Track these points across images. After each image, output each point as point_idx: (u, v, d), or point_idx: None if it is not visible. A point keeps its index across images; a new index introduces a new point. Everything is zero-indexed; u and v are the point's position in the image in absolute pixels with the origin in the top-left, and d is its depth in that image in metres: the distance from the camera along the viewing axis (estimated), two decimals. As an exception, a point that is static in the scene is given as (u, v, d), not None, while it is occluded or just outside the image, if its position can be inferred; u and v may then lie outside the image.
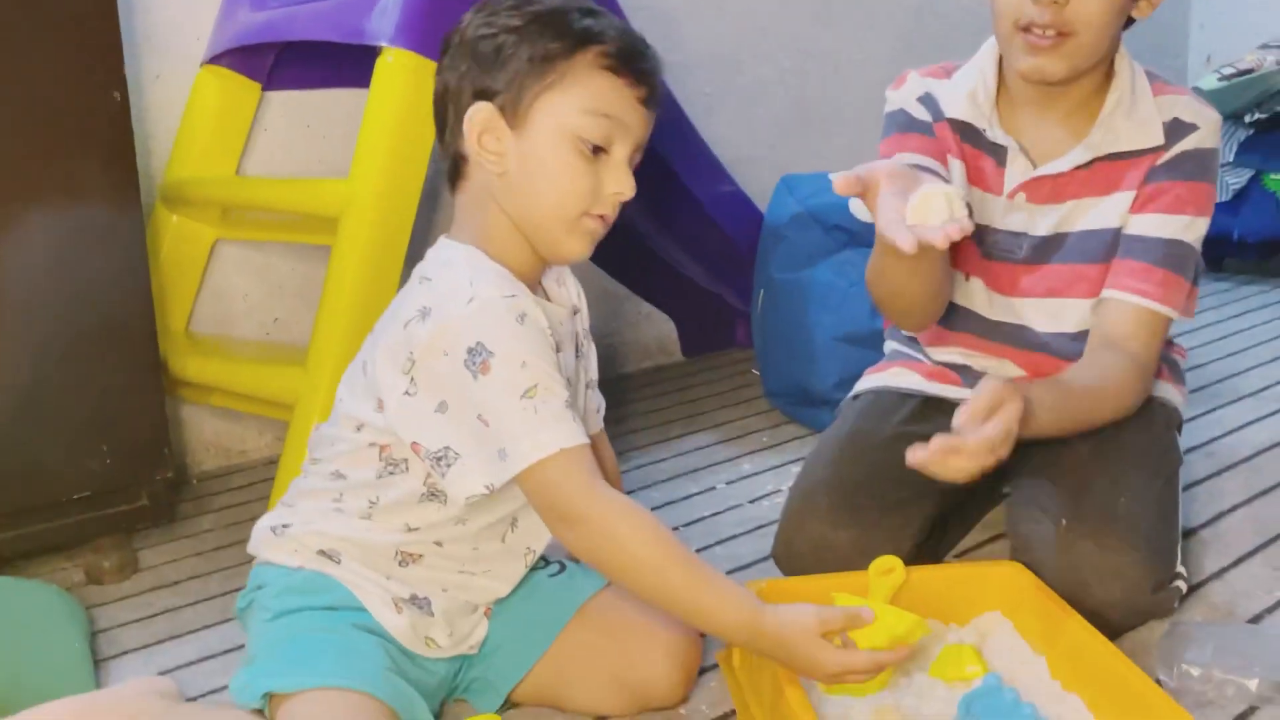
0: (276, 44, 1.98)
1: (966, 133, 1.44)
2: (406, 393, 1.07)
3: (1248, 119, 3.11)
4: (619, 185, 1.11)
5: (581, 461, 1.04)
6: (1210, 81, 3.15)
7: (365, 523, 1.14)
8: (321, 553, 1.15)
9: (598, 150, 1.09)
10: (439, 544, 1.15)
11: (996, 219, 1.43)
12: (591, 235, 1.13)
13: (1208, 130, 1.37)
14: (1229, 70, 3.13)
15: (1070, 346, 1.41)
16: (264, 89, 2.08)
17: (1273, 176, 3.10)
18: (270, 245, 2.16)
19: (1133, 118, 1.37)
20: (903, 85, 1.49)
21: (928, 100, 1.46)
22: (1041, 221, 1.41)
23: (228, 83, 2.02)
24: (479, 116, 1.09)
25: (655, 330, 2.78)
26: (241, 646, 1.29)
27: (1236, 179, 3.14)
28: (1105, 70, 1.39)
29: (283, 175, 2.14)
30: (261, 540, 1.19)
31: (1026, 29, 1.30)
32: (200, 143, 2.00)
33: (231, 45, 1.95)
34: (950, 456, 1.12)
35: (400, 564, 1.15)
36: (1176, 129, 1.37)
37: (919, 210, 1.14)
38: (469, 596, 1.19)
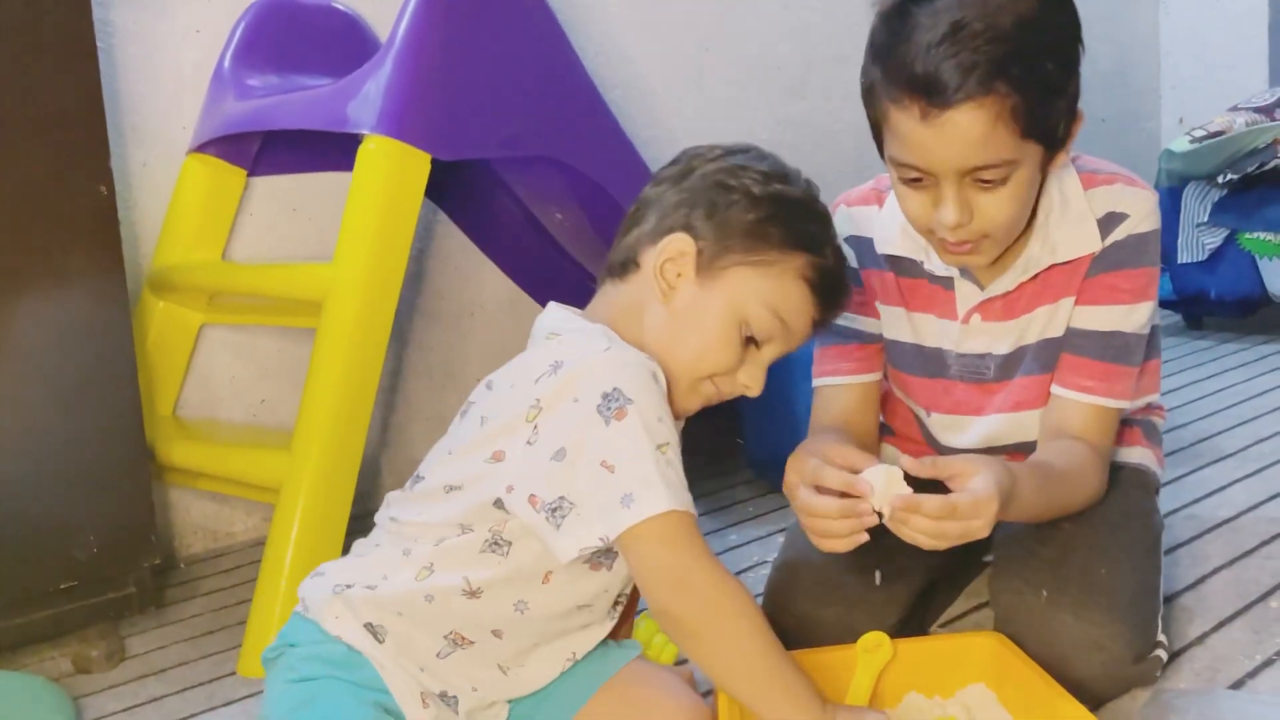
0: (261, 131, 2.01)
1: (905, 267, 1.41)
2: (528, 442, 1.04)
3: (1221, 179, 3.15)
4: (751, 379, 1.14)
5: (696, 528, 1.04)
6: (1182, 144, 3.21)
7: (426, 580, 1.10)
8: (368, 626, 1.11)
9: (751, 340, 1.13)
10: (497, 634, 1.13)
11: (959, 343, 1.41)
12: (700, 403, 1.15)
13: (1139, 214, 1.33)
14: (1200, 133, 3.19)
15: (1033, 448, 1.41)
16: (249, 174, 2.11)
17: (1248, 236, 3.14)
18: (256, 327, 2.18)
19: (1066, 222, 1.33)
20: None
21: (854, 242, 1.43)
22: (1002, 339, 1.39)
23: (214, 170, 2.05)
24: (676, 246, 1.12)
25: (641, 401, 2.79)
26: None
27: (1212, 239, 3.18)
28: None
29: (268, 259, 2.17)
30: (315, 593, 1.15)
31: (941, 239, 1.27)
32: (187, 229, 2.03)
33: (217, 134, 1.99)
34: (910, 515, 1.11)
35: (440, 655, 1.12)
36: (1110, 222, 1.33)
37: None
38: (496, 695, 1.17)
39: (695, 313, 1.12)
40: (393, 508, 1.17)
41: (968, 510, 1.11)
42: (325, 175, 2.20)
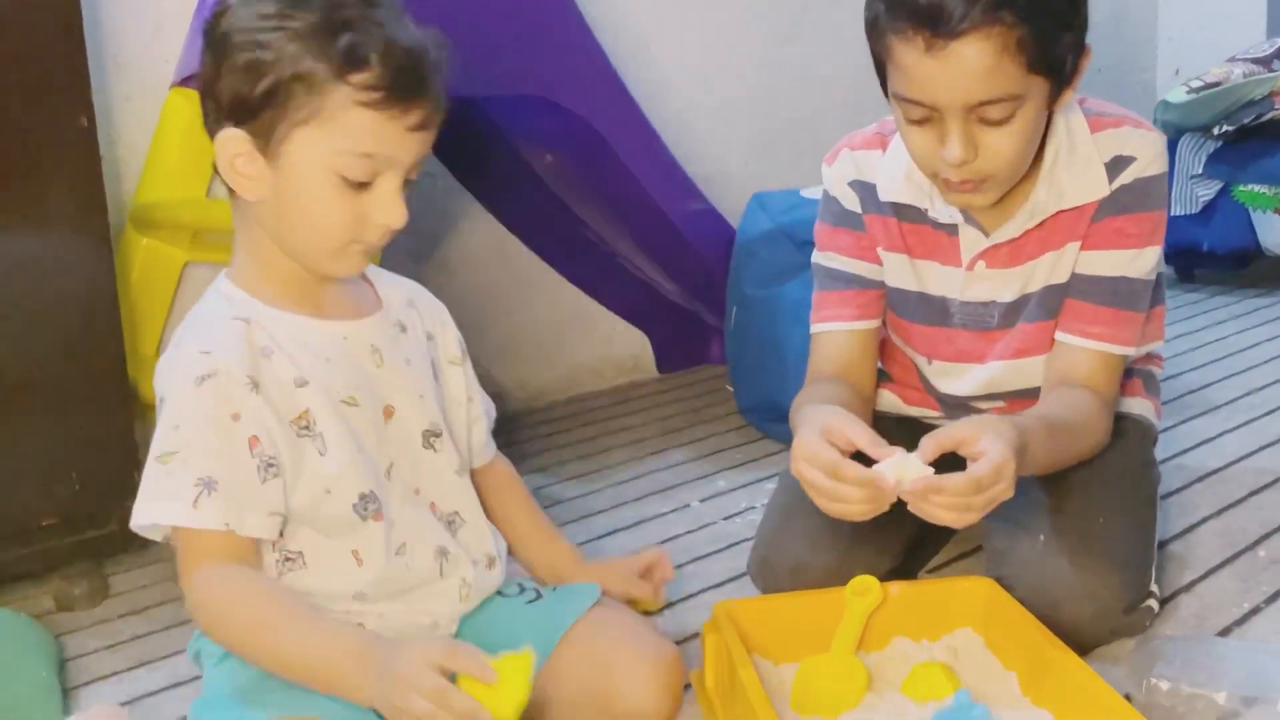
0: (246, 66, 1.98)
1: (908, 214, 1.39)
2: None
3: (1216, 131, 3.14)
4: (387, 217, 1.05)
5: (200, 543, 1.02)
6: (1179, 94, 3.18)
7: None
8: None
9: (362, 185, 1.04)
10: (380, 615, 1.12)
11: (963, 291, 1.40)
12: (362, 256, 1.09)
13: (1147, 157, 1.31)
14: (1197, 83, 3.16)
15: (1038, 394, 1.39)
16: (234, 111, 2.07)
17: (1241, 188, 3.13)
18: (242, 267, 2.15)
19: (1073, 166, 1.31)
20: (834, 162, 1.45)
21: (859, 186, 1.42)
22: (1007, 286, 1.37)
23: (197, 105, 1.99)
24: (231, 143, 1.03)
25: (630, 347, 2.78)
26: (212, 674, 1.27)
27: (1206, 191, 3.16)
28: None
29: (254, 197, 2.13)
30: None
31: (945, 178, 1.25)
32: (170, 165, 1.99)
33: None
34: (932, 494, 1.10)
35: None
36: (1116, 165, 1.31)
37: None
38: (422, 621, 1.15)
39: (288, 195, 1.04)
40: None
41: (990, 478, 1.09)
42: (312, 113, 2.17)
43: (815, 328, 1.47)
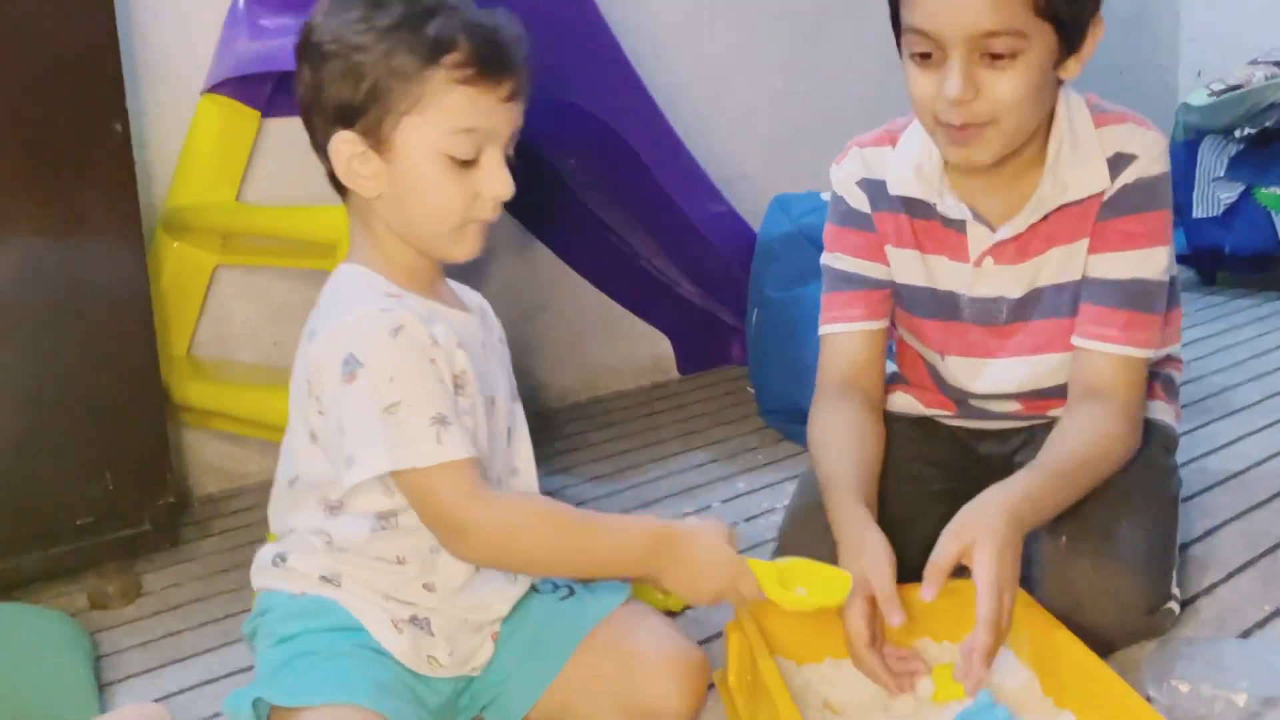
0: (275, 72, 2.00)
1: (918, 208, 1.40)
2: (320, 413, 1.10)
3: (1238, 134, 3.13)
4: (496, 189, 1.11)
5: (456, 473, 1.05)
6: (1200, 97, 3.18)
7: (345, 560, 1.15)
8: (323, 578, 1.15)
9: (469, 163, 1.09)
10: (429, 588, 1.16)
11: (971, 286, 1.40)
12: (479, 235, 1.14)
13: (1149, 156, 1.32)
14: (1219, 86, 3.16)
15: (1060, 390, 1.40)
16: (263, 116, 2.10)
17: (1264, 190, 3.12)
18: (269, 269, 2.18)
19: (1076, 161, 1.32)
20: (843, 162, 1.46)
21: (867, 185, 1.43)
22: (1015, 282, 1.38)
23: (228, 111, 2.04)
24: (344, 149, 1.08)
25: (651, 348, 2.80)
26: (244, 669, 1.30)
27: (1228, 193, 3.16)
28: (1046, 122, 1.33)
29: (282, 201, 2.16)
30: (263, 571, 1.20)
31: (945, 124, 1.26)
32: (201, 170, 2.03)
33: (231, 74, 1.98)
34: (978, 663, 1.09)
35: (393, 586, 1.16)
36: (1118, 162, 1.32)
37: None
38: (468, 615, 1.19)
39: (403, 186, 1.09)
40: (274, 518, 1.21)
41: (994, 607, 1.10)
42: (339, 117, 2.19)
43: (824, 329, 1.48)
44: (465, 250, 1.14)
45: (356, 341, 1.05)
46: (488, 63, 1.07)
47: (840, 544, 1.24)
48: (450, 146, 1.08)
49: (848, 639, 1.18)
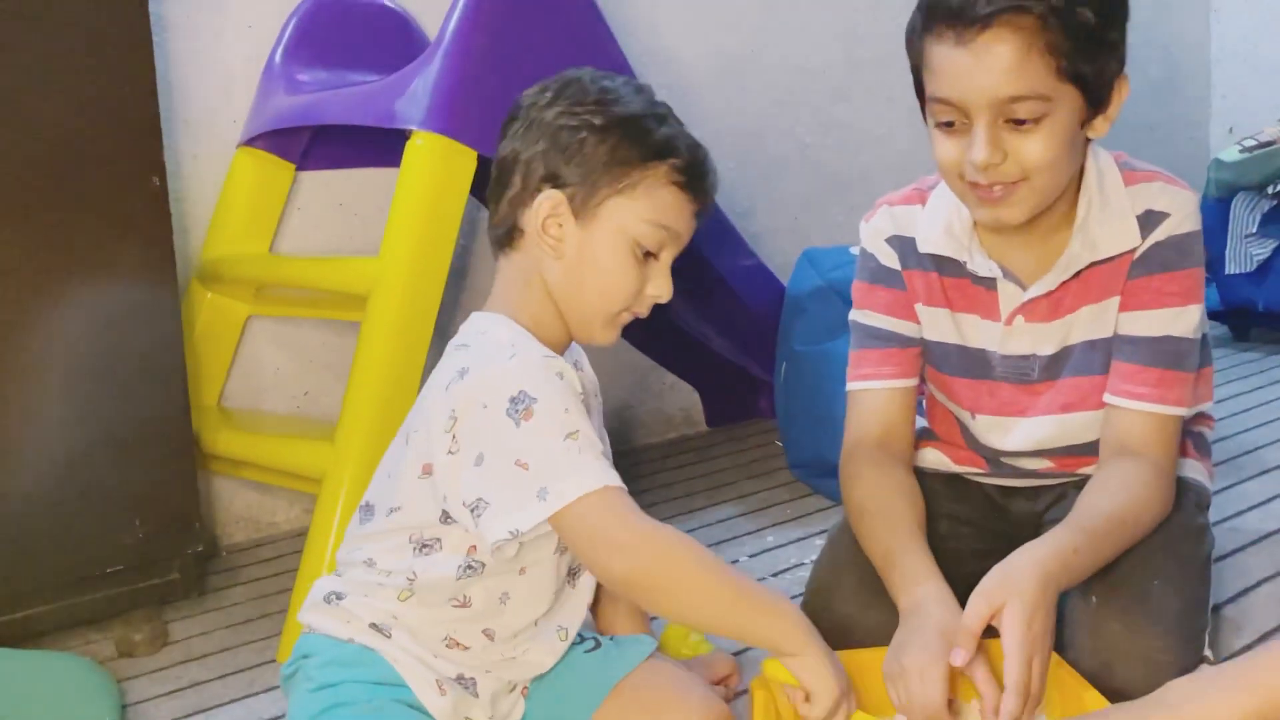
0: (310, 126, 2.04)
1: (948, 266, 1.40)
2: (449, 451, 1.09)
3: (1270, 190, 3.11)
4: (659, 290, 1.18)
5: (625, 497, 1.08)
6: (1232, 153, 3.17)
7: (411, 601, 1.15)
8: (373, 626, 1.15)
9: (648, 255, 1.16)
10: (488, 634, 1.16)
11: (1003, 344, 1.40)
12: (618, 329, 1.20)
13: (1181, 214, 1.32)
14: (1250, 142, 3.15)
15: (1092, 447, 1.39)
16: (298, 169, 2.13)
17: (1297, 247, 3.10)
18: (302, 320, 2.20)
19: (1106, 219, 1.32)
20: (873, 218, 1.46)
21: (897, 242, 1.43)
22: (1047, 340, 1.38)
23: (263, 163, 2.07)
24: (549, 203, 1.14)
25: (680, 401, 2.80)
26: (269, 721, 1.30)
27: (1261, 250, 3.14)
28: (1076, 181, 1.32)
29: (315, 253, 2.19)
30: (314, 608, 1.19)
31: (974, 184, 1.26)
32: (236, 222, 2.06)
33: (267, 128, 2.01)
34: None
35: (448, 646, 1.16)
36: (1149, 220, 1.32)
37: None
38: (512, 675, 1.20)
39: (588, 257, 1.15)
40: (350, 547, 1.20)
41: (1022, 671, 1.10)
42: (372, 170, 2.22)
43: (853, 385, 1.47)
44: (609, 336, 1.20)
45: (526, 380, 1.07)
46: (697, 176, 1.17)
47: (919, 614, 1.23)
48: (644, 235, 1.15)
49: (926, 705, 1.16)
